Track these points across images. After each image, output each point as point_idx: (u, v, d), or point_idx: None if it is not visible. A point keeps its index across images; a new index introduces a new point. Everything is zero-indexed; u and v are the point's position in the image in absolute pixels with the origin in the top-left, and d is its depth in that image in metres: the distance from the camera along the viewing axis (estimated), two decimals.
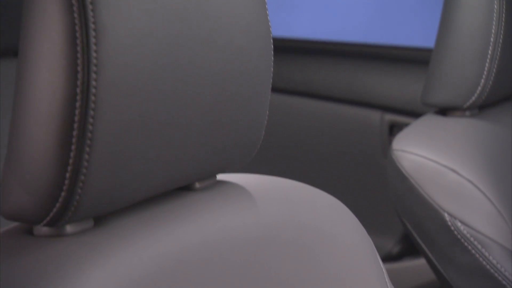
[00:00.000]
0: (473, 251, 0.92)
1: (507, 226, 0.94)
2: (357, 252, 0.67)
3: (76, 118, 0.46)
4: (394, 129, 1.55)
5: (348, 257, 0.66)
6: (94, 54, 0.46)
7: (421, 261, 1.50)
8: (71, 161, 0.47)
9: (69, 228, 0.50)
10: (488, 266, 0.91)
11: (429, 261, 1.00)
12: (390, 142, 1.43)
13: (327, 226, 0.65)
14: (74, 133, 0.46)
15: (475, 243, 0.92)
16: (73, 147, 0.46)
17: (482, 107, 1.07)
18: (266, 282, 0.58)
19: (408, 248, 1.56)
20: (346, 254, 0.65)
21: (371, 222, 1.43)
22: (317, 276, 0.62)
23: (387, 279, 0.69)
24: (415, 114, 1.46)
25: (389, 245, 1.58)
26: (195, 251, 0.54)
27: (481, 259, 0.92)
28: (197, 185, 0.60)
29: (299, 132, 1.67)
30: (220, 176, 0.64)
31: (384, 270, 0.69)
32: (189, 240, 0.54)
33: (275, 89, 1.67)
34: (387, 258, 1.57)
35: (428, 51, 1.44)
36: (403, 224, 1.02)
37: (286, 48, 1.72)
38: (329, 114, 1.63)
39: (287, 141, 1.69)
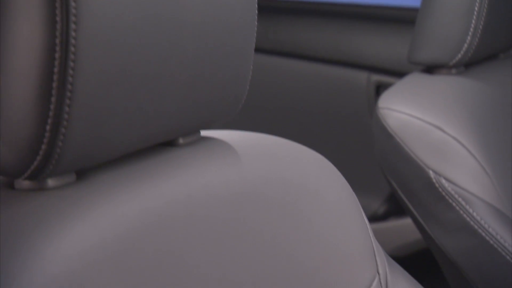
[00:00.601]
0: (457, 208, 0.93)
1: (491, 183, 0.94)
2: (341, 208, 0.67)
3: (56, 70, 0.45)
4: (380, 89, 1.55)
5: (333, 213, 0.66)
6: (73, 4, 0.45)
7: (406, 221, 1.51)
8: (51, 113, 0.46)
9: (50, 182, 0.50)
10: (472, 223, 0.92)
11: (414, 219, 1.00)
12: (376, 103, 1.43)
13: (312, 182, 0.65)
14: (54, 84, 0.46)
15: (460, 200, 0.93)
16: (53, 99, 0.46)
17: (468, 65, 1.07)
18: (250, 237, 0.58)
19: (394, 208, 1.57)
20: (331, 210, 0.66)
21: (358, 182, 1.44)
22: (301, 231, 0.62)
23: (372, 235, 0.69)
24: (402, 75, 1.45)
25: (375, 206, 1.58)
26: (179, 206, 0.54)
27: (465, 215, 0.92)
28: (181, 140, 0.60)
29: (286, 93, 1.67)
30: (204, 133, 0.64)
31: (368, 226, 0.69)
32: (173, 195, 0.54)
33: (261, 50, 1.66)
34: (373, 218, 1.58)
35: (415, 11, 1.43)
36: (388, 182, 1.03)
37: (272, 8, 1.70)
38: (315, 75, 1.63)
39: (274, 102, 1.68)
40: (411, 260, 1.49)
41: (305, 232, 0.62)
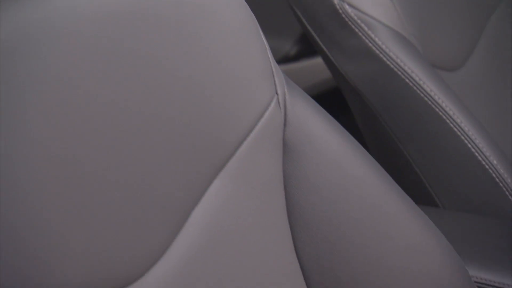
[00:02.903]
0: (360, 34, 0.93)
1: (394, 8, 0.94)
2: (239, 28, 0.65)
3: None
4: None
5: (229, 33, 0.64)
6: None
7: (318, 60, 1.52)
8: None
9: None
10: (374, 48, 0.93)
11: (320, 50, 1.00)
12: None
13: (208, 1, 0.63)
14: None
15: (362, 25, 0.93)
16: None
17: None
18: (141, 59, 0.56)
19: (305, 49, 1.58)
20: (227, 30, 0.64)
21: (268, 23, 1.42)
22: (195, 53, 0.60)
23: (270, 56, 0.68)
24: None
25: (287, 47, 1.58)
26: (63, 20, 0.51)
27: (367, 41, 0.93)
28: None
29: None
30: None
31: (267, 46, 0.68)
32: (57, 8, 0.51)
33: None
34: (284, 60, 1.58)
35: None
36: (294, 14, 1.01)
37: None
38: None
39: None
40: (322, 98, 1.52)
41: (199, 53, 0.61)
